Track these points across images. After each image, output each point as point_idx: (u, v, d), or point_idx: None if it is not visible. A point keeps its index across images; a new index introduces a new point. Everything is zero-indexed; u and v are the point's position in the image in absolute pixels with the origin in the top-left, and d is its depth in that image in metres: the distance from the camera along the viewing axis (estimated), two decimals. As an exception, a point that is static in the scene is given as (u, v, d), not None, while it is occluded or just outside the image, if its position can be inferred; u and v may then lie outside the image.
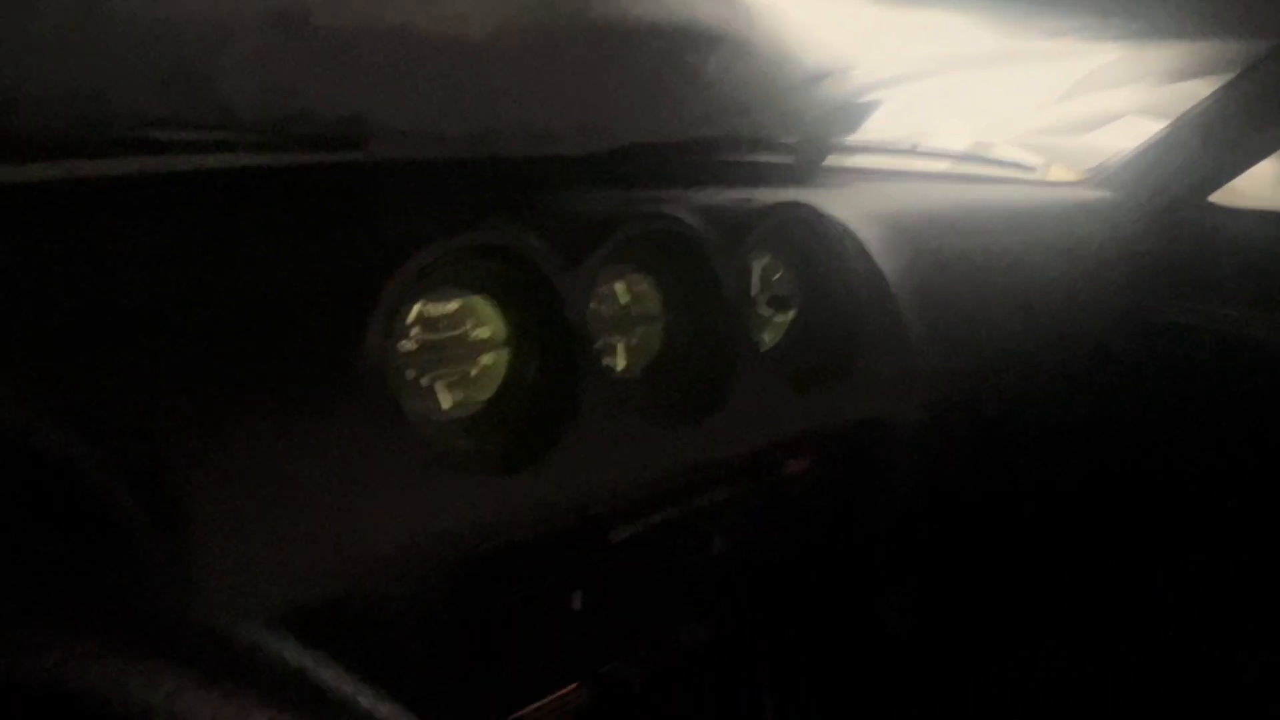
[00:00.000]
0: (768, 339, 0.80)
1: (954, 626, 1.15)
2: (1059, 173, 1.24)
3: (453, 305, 0.61)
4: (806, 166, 0.96)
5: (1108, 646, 1.12)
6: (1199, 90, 1.03)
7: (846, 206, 0.84)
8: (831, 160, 0.97)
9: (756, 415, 0.72)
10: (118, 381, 0.46)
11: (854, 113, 0.93)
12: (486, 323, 0.63)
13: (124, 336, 0.48)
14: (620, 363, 0.71)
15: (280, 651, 0.25)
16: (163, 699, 0.22)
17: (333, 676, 0.25)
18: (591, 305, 0.66)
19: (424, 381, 0.60)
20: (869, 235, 0.84)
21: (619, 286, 0.71)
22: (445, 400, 0.61)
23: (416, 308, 0.59)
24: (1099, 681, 1.10)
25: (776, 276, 0.80)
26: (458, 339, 0.62)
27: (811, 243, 0.79)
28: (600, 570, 0.68)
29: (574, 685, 0.73)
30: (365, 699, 0.25)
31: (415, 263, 0.55)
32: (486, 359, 0.63)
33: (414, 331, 0.60)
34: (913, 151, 1.03)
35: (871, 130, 0.95)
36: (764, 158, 0.93)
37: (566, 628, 0.67)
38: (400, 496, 0.53)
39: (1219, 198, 1.13)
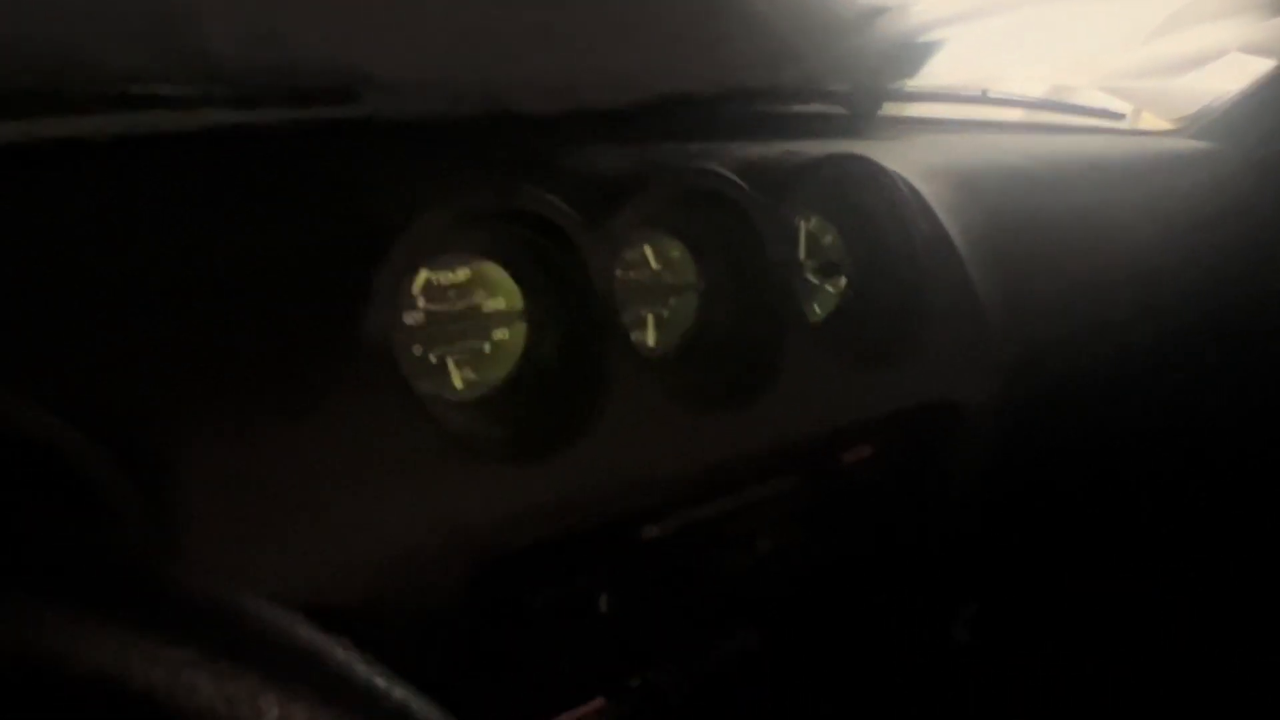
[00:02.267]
0: (817, 310, 0.77)
1: (1024, 634, 1.13)
2: (1150, 120, 1.20)
3: (462, 273, 0.60)
4: (860, 117, 0.93)
5: (1202, 661, 1.09)
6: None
7: (906, 160, 0.81)
8: (888, 109, 0.94)
9: (806, 398, 0.69)
10: (96, 359, 0.46)
11: (914, 55, 0.90)
12: (500, 293, 0.61)
13: (101, 311, 0.47)
14: (651, 338, 0.69)
15: (291, 629, 0.26)
16: (164, 675, 0.22)
17: (346, 657, 0.26)
18: (618, 273, 0.64)
19: (433, 358, 0.59)
20: (932, 192, 0.81)
21: (649, 251, 0.68)
22: (456, 379, 0.60)
23: (423, 275, 0.58)
24: (1187, 693, 1.07)
25: (826, 239, 0.77)
26: (469, 311, 0.60)
27: (867, 201, 0.76)
28: (630, 571, 0.66)
29: (600, 699, 0.72)
30: (380, 680, 0.26)
31: (422, 224, 0.54)
32: (500, 333, 0.61)
33: (420, 303, 0.58)
34: (982, 98, 1.00)
35: (934, 75, 0.93)
36: (812, 108, 0.91)
37: (592, 634, 0.65)
38: (410, 485, 0.52)
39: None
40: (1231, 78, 1.11)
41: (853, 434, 0.76)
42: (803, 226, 0.75)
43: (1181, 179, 1.06)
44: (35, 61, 0.54)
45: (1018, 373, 0.83)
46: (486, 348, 0.61)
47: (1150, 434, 1.08)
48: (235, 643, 0.24)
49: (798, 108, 0.89)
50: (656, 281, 0.69)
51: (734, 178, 0.66)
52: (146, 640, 0.23)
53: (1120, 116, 1.13)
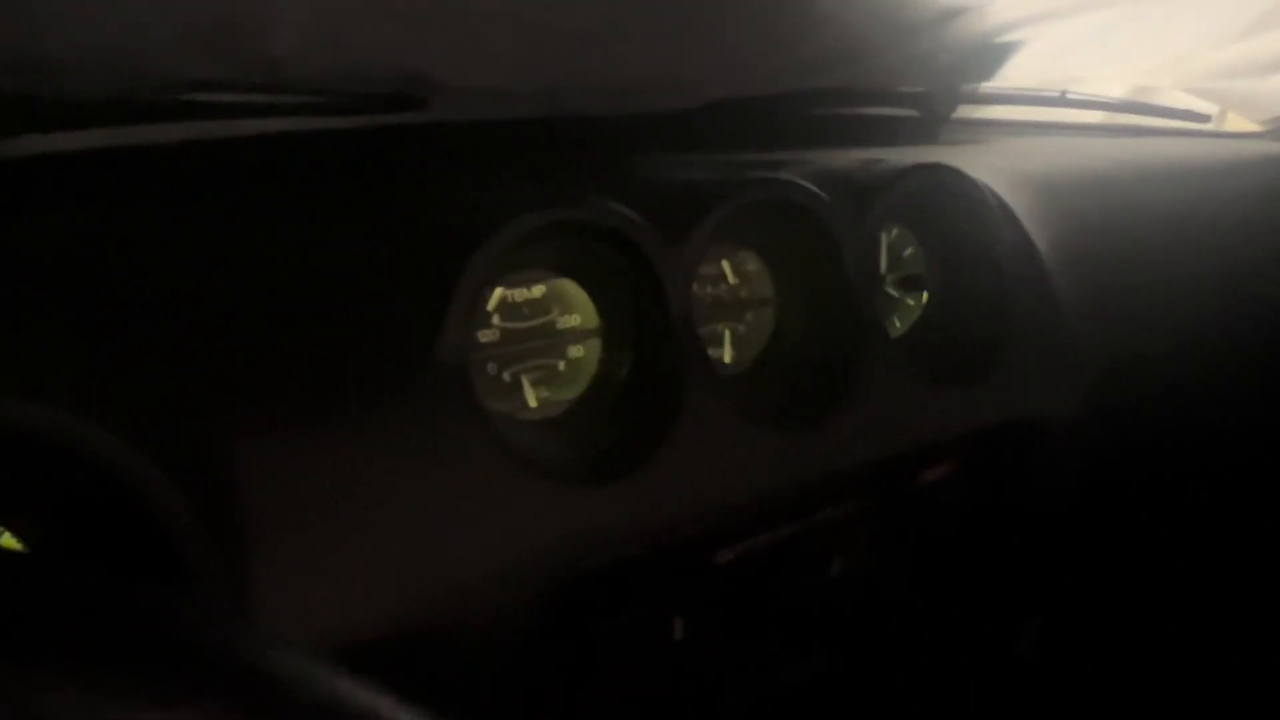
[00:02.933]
0: (898, 324, 0.75)
1: (1090, 650, 1.10)
2: (1237, 122, 1.17)
3: (537, 290, 0.59)
4: (934, 120, 0.91)
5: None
6: None
7: (988, 167, 0.79)
8: (963, 111, 0.92)
9: (886, 414, 0.67)
10: (163, 377, 0.45)
11: (991, 55, 0.87)
12: (575, 309, 0.60)
13: (167, 327, 0.46)
14: (727, 355, 0.67)
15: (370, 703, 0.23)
16: None
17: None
18: (694, 288, 0.62)
19: (506, 377, 0.58)
20: (1015, 201, 0.78)
21: (726, 266, 0.67)
22: (531, 398, 0.59)
23: (498, 292, 0.57)
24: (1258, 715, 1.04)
25: (908, 252, 0.75)
26: (543, 328, 0.59)
27: (951, 211, 0.74)
28: (704, 595, 0.65)
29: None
30: None
31: (500, 239, 0.52)
32: (575, 351, 0.60)
33: (494, 319, 0.57)
34: (1062, 100, 0.96)
35: (1012, 76, 0.90)
36: (884, 110, 0.89)
37: (666, 661, 0.64)
38: (483, 509, 0.51)
39: None
40: (1325, 77, 1.07)
41: (932, 452, 0.74)
42: (884, 239, 0.73)
43: (1270, 182, 1.03)
44: (104, 72, 0.53)
45: (1102, 385, 0.81)
46: (561, 365, 0.60)
47: (1239, 447, 1.04)
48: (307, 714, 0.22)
49: (871, 110, 0.87)
50: (733, 296, 0.67)
51: (814, 189, 0.64)
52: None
53: (1205, 118, 1.09)
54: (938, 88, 0.87)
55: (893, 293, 0.75)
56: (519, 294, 0.58)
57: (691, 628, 0.64)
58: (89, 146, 0.56)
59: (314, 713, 0.22)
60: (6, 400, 0.39)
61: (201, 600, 0.43)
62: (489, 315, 0.57)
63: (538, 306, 0.59)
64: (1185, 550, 1.09)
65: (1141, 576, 1.08)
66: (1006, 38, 0.86)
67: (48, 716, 0.19)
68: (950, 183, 0.72)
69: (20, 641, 0.20)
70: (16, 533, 0.44)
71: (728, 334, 0.67)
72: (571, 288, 0.60)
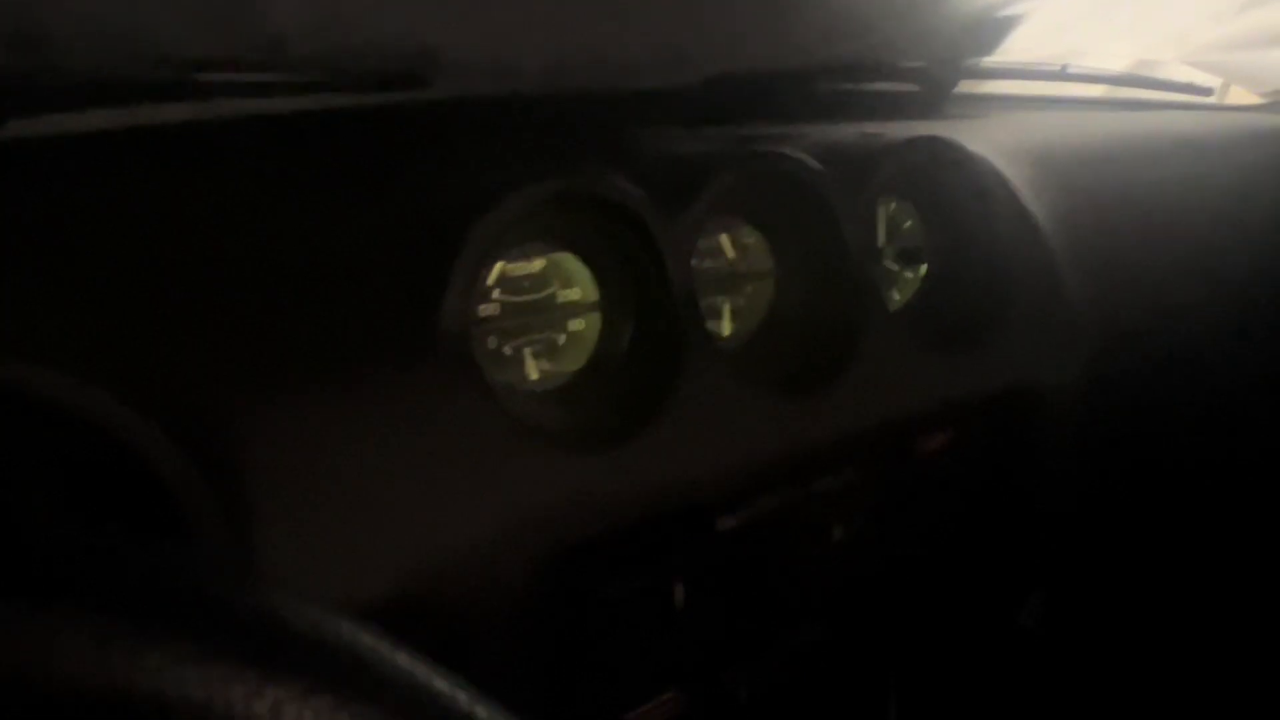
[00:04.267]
0: (896, 297, 0.76)
1: (1091, 622, 1.10)
2: (1240, 95, 1.16)
3: (537, 263, 0.59)
4: (935, 94, 0.91)
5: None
6: None
7: (987, 140, 0.79)
8: (964, 86, 0.92)
9: (884, 384, 0.68)
10: (169, 347, 0.46)
11: (992, 29, 0.88)
12: (575, 283, 0.61)
13: (170, 302, 0.47)
14: (726, 327, 0.68)
15: (386, 651, 0.24)
16: (269, 710, 0.21)
17: (448, 683, 0.24)
18: (693, 261, 0.63)
19: (507, 350, 0.58)
20: (1015, 173, 0.78)
21: (725, 239, 0.67)
22: (532, 370, 0.59)
23: (498, 266, 0.57)
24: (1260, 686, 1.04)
25: (906, 224, 0.75)
26: (543, 301, 0.60)
27: (950, 184, 0.74)
28: (704, 562, 0.65)
29: (673, 692, 0.72)
30: (483, 710, 0.24)
31: (501, 212, 0.53)
32: (576, 324, 0.61)
33: (495, 293, 0.58)
34: (1063, 74, 0.96)
35: (1013, 50, 0.90)
36: (884, 85, 0.89)
37: (666, 627, 0.65)
38: (484, 477, 0.52)
39: None
40: (1328, 49, 1.06)
41: (931, 421, 0.74)
42: (882, 211, 0.74)
43: (1272, 155, 1.02)
44: (105, 51, 0.54)
45: (1101, 356, 0.81)
46: (561, 339, 0.61)
47: (1239, 419, 1.05)
48: (334, 672, 0.23)
49: (871, 85, 0.87)
50: (732, 269, 0.68)
51: (812, 162, 0.65)
52: (246, 671, 0.21)
53: (1208, 91, 1.09)
54: (938, 62, 0.87)
55: (891, 265, 0.75)
56: (519, 268, 0.59)
57: (692, 594, 0.64)
58: (94, 127, 0.56)
59: (321, 653, 0.23)
60: (9, 363, 0.40)
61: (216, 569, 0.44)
62: (490, 289, 0.57)
63: (538, 280, 0.59)
64: (1186, 521, 1.09)
65: (1143, 547, 1.09)
66: (1007, 12, 0.86)
67: (60, 654, 0.20)
68: (948, 156, 0.72)
69: (33, 583, 0.21)
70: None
71: (727, 306, 0.68)
72: (572, 261, 0.60)
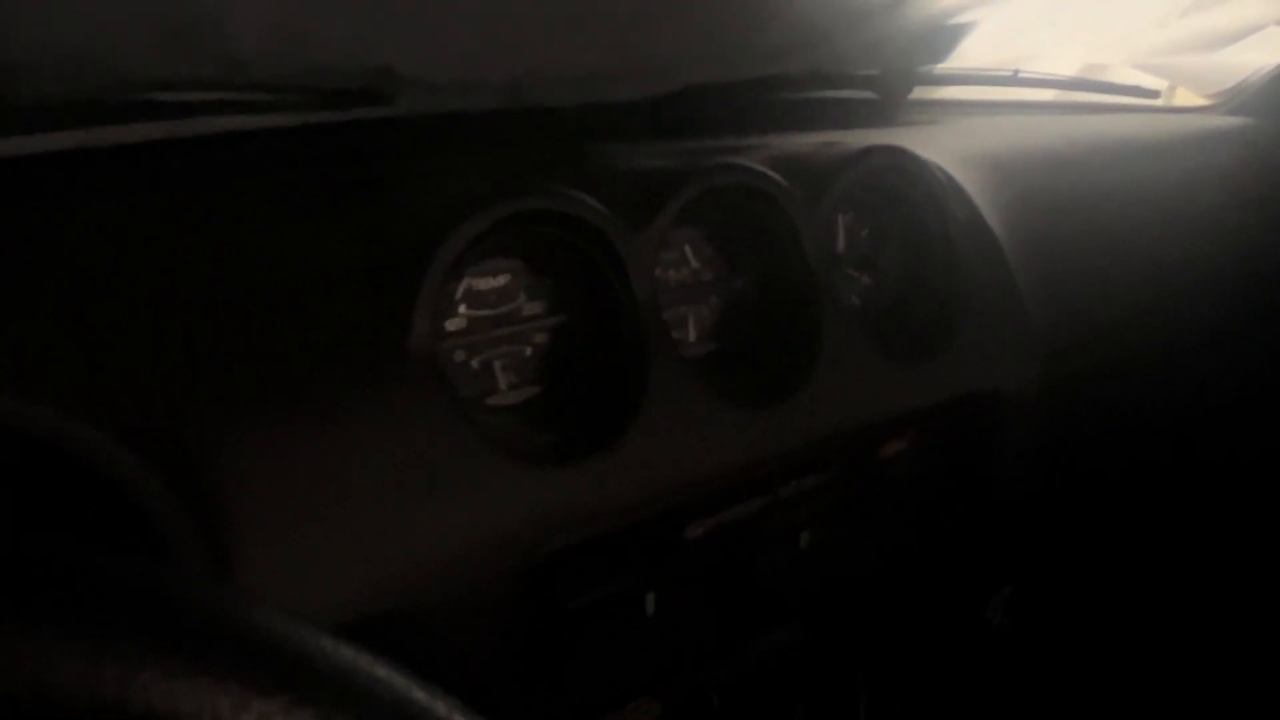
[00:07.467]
0: (856, 303, 0.77)
1: (1058, 618, 1.12)
2: (1186, 97, 1.19)
3: (502, 278, 0.60)
4: (891, 102, 0.92)
5: (1239, 649, 1.09)
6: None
7: (941, 147, 0.81)
8: (919, 93, 0.93)
9: (846, 391, 0.69)
10: (133, 370, 0.46)
11: (944, 37, 0.89)
12: (540, 296, 0.62)
13: (141, 322, 0.48)
14: (690, 335, 0.69)
15: (366, 664, 0.25)
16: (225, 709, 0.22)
17: (427, 693, 0.25)
18: (657, 272, 0.64)
19: (475, 364, 0.59)
20: (968, 178, 0.80)
21: (687, 250, 0.68)
22: (499, 384, 0.60)
23: (464, 281, 0.58)
24: (1222, 680, 1.07)
25: (864, 232, 0.77)
26: (509, 315, 0.60)
27: (905, 192, 0.76)
28: (674, 570, 0.66)
29: (646, 698, 0.72)
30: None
31: (467, 229, 0.54)
32: (541, 337, 0.62)
33: (461, 308, 0.59)
34: (1013, 79, 0.99)
35: (965, 57, 0.92)
36: (842, 93, 0.91)
37: (639, 634, 0.66)
38: (455, 491, 0.53)
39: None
40: (1268, 52, 1.09)
41: (893, 426, 0.76)
42: (841, 220, 0.75)
43: (1218, 156, 1.05)
44: (65, 72, 0.54)
45: (1057, 358, 0.83)
46: (528, 351, 0.62)
47: (1191, 417, 1.07)
48: (318, 684, 0.24)
49: (828, 93, 0.89)
50: (695, 279, 0.69)
51: (772, 174, 0.66)
52: (232, 684, 0.22)
53: (1154, 94, 1.12)
54: (893, 70, 0.89)
55: (851, 273, 0.77)
56: (485, 282, 0.59)
57: (663, 602, 0.66)
58: (57, 147, 0.56)
59: (295, 664, 0.24)
60: None
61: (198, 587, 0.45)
62: (456, 304, 0.58)
63: (504, 294, 0.60)
64: (1144, 516, 1.12)
65: (1104, 544, 1.11)
66: (959, 20, 0.88)
67: (54, 672, 0.21)
68: (903, 164, 0.74)
69: (27, 604, 0.22)
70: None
71: (690, 316, 0.69)
72: (537, 275, 0.61)
